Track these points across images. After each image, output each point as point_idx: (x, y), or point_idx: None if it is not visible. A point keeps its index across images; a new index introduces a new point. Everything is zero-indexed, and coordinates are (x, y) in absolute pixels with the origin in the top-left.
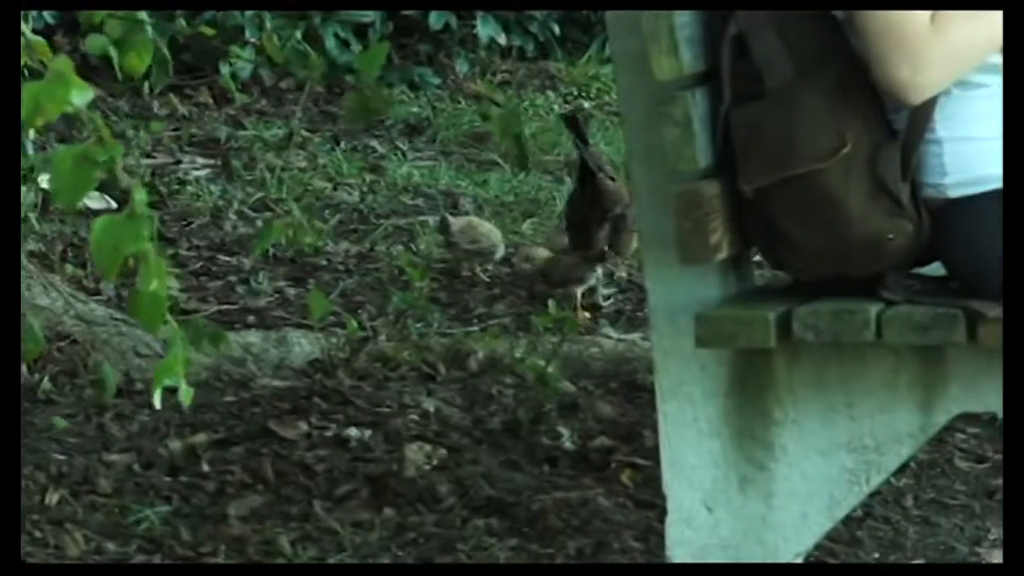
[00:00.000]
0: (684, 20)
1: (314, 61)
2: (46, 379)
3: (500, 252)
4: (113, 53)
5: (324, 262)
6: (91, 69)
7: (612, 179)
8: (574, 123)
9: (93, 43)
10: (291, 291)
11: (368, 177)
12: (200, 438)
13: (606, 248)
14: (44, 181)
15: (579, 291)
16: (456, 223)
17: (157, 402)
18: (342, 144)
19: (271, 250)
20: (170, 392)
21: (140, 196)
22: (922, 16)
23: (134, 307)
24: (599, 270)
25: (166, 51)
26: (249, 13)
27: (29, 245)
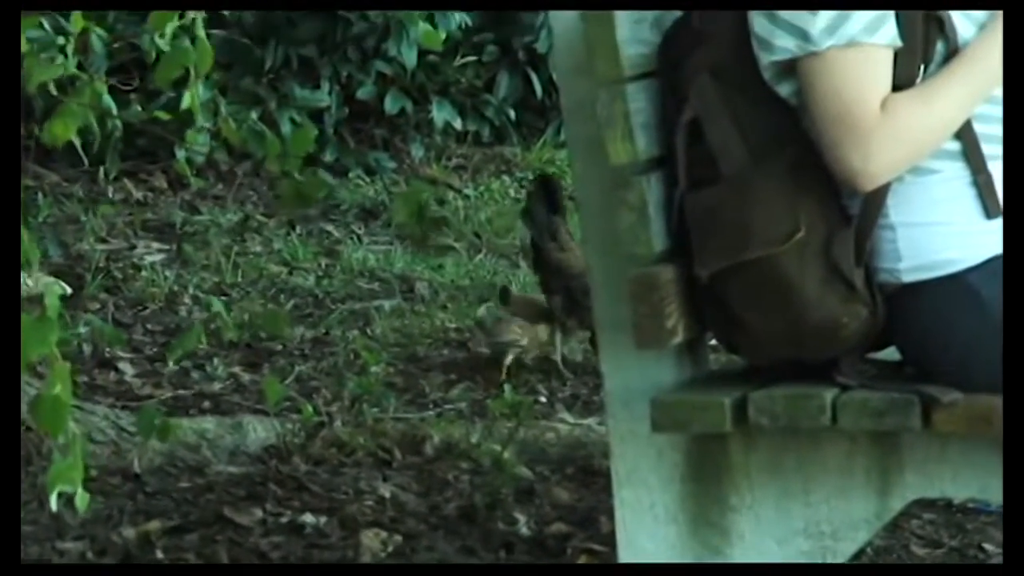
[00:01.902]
0: (639, 106)
1: (271, 141)
2: None
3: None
4: (77, 140)
5: (279, 347)
6: (45, 154)
7: (564, 249)
8: (549, 186)
9: (49, 131)
10: (246, 376)
11: (323, 261)
12: (154, 525)
13: (565, 321)
14: None
15: (509, 355)
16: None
17: (54, 505)
18: (298, 229)
19: (227, 335)
20: (127, 479)
21: (53, 301)
22: (873, 103)
23: (35, 411)
24: (559, 348)
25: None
26: (204, 98)
27: None
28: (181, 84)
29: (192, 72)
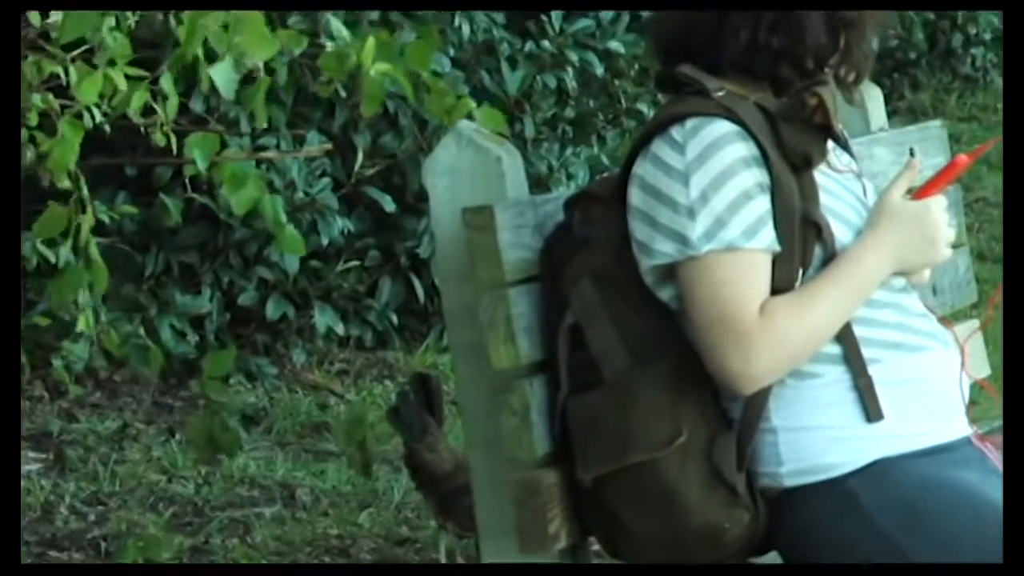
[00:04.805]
0: (521, 310)
1: (154, 355)
2: None
3: None
4: None
5: None
6: None
7: (433, 451)
8: (427, 386)
9: None
10: None
11: (203, 469)
12: None
13: (443, 524)
14: None
15: None
16: None
17: None
18: (177, 436)
19: (103, 544)
20: None
21: None
22: (751, 307)
23: None
24: (442, 550)
25: None
26: (84, 303)
27: None
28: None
29: (87, 293)
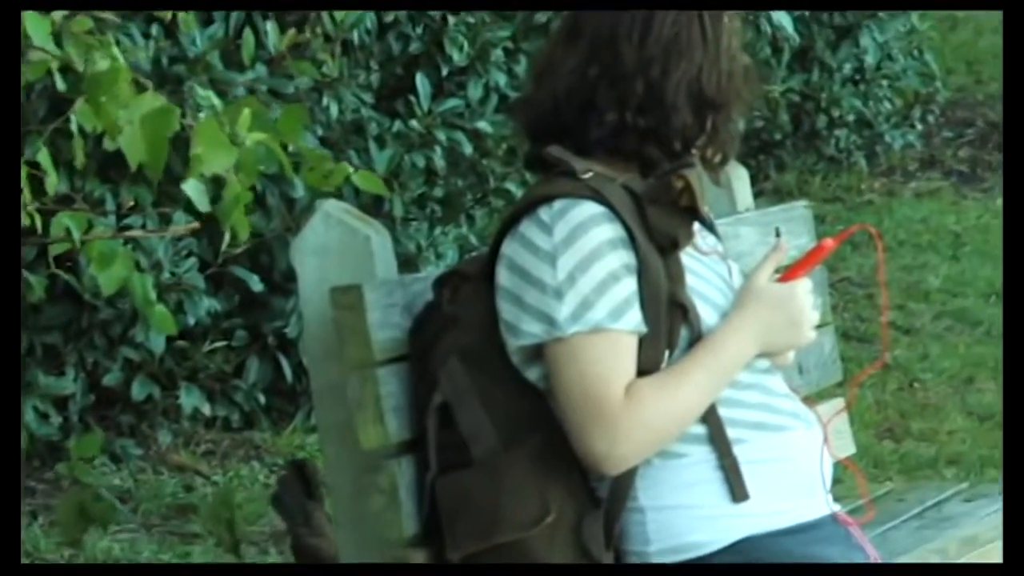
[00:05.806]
0: (390, 389)
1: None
2: None
3: None
4: None
5: None
6: None
7: (318, 534)
8: (303, 472)
9: None
10: None
11: (66, 552)
12: None
13: None
14: None
15: None
16: None
17: None
18: (40, 519)
19: None
20: None
21: None
22: (617, 388)
23: None
24: None
25: None
26: None
27: None
28: None
29: None
